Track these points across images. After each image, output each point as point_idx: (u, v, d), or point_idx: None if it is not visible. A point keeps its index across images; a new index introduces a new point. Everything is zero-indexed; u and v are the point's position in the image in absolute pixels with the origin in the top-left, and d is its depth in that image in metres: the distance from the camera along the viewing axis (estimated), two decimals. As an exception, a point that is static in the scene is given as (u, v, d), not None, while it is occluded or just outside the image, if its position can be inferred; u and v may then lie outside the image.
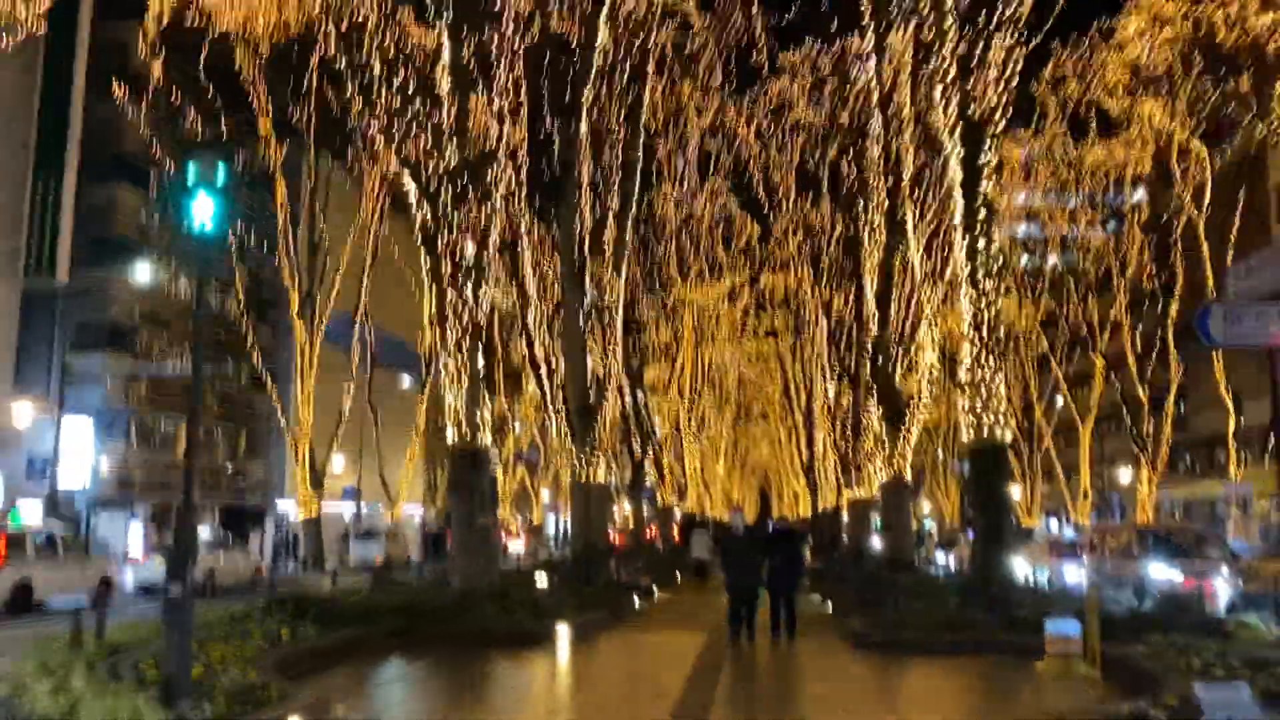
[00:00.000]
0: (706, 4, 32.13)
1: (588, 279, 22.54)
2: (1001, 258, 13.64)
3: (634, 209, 23.57)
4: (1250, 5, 29.38)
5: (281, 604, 11.53)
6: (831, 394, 34.70)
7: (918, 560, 35.78)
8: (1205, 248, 34.73)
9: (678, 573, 26.60)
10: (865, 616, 13.07)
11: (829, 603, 17.12)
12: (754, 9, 31.28)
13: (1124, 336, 41.28)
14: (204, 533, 30.56)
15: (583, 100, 21.99)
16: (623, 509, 42.33)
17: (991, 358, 13.10)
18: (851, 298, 31.69)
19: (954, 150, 13.35)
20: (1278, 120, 30.53)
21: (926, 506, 75.32)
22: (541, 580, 15.27)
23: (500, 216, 14.51)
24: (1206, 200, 35.11)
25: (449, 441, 13.82)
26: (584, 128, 22.45)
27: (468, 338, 13.57)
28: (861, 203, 26.54)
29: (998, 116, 13.10)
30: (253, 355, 36.04)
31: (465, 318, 13.46)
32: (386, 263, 39.26)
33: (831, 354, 33.74)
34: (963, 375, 13.35)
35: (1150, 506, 36.44)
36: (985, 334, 13.08)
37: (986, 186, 13.14)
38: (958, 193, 13.34)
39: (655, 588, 20.56)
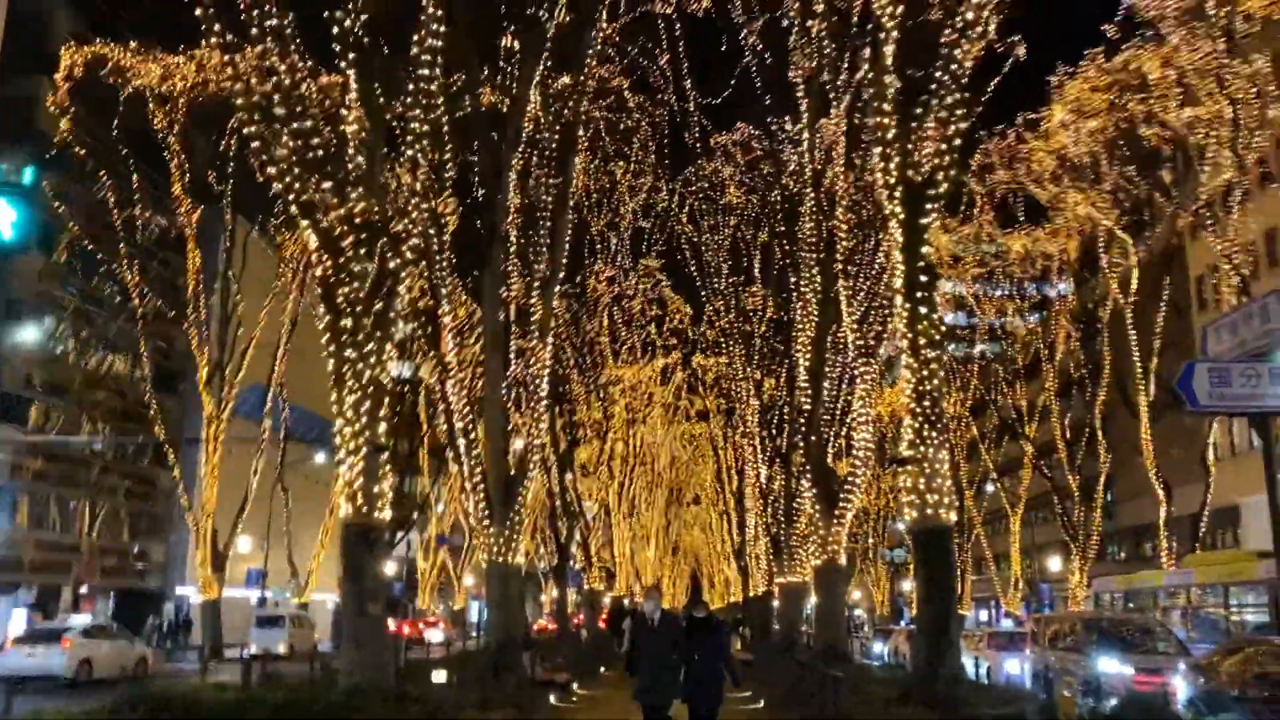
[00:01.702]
0: (641, 83, 31.98)
1: (512, 350, 21.46)
2: (943, 325, 12.87)
3: (559, 280, 22.61)
4: (1169, 101, 30.05)
5: (134, 705, 9.95)
6: (763, 476, 33.79)
7: (854, 650, 34.67)
8: (1132, 336, 34.88)
9: (602, 666, 25.04)
10: (804, 717, 11.85)
11: (760, 701, 15.84)
12: (687, 89, 31.18)
13: (1053, 423, 41.28)
14: (83, 619, 28.06)
15: (511, 166, 21.22)
16: (550, 595, 40.62)
17: (934, 432, 12.22)
18: (783, 378, 31.10)
19: (894, 213, 12.65)
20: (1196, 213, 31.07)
21: (857, 594, 74.35)
22: (440, 676, 13.75)
23: (411, 271, 13.35)
24: (1132, 289, 35.43)
25: (341, 517, 12.42)
26: (512, 194, 21.64)
27: (367, 401, 12.28)
28: (794, 280, 26.05)
29: (940, 177, 12.46)
30: (155, 428, 34.00)
31: (365, 377, 12.19)
32: (305, 334, 37.70)
33: (763, 435, 32.98)
34: (904, 450, 12.42)
35: (1083, 595, 35.90)
36: (928, 406, 12.22)
37: (927, 250, 12.43)
38: (897, 256, 12.60)
39: (575, 684, 19.04)
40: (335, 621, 38.12)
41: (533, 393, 21.39)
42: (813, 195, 24.08)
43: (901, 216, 12.59)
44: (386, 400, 12.79)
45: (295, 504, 40.40)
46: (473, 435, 20.74)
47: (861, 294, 21.66)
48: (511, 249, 22.15)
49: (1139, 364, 34.61)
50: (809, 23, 23.68)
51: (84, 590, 40.86)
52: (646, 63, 30.46)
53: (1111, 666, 14.59)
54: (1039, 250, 40.24)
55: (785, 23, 24.54)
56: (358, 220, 12.12)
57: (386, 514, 12.57)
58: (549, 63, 21.31)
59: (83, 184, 33.40)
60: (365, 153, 12.44)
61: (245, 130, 12.63)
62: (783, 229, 29.14)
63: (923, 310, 12.32)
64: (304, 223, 12.26)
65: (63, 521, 41.63)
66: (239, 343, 34.41)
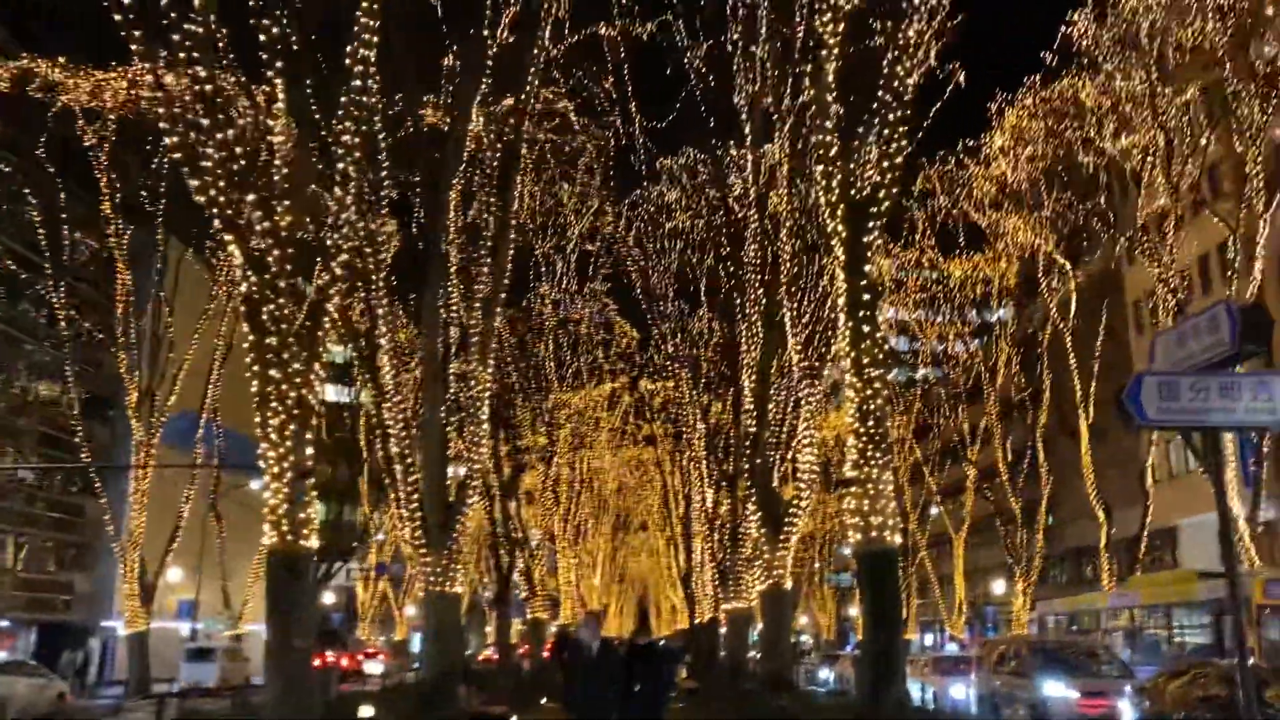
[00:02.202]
0: (587, 106, 31.82)
1: (451, 373, 20.98)
2: (886, 344, 12.70)
3: (501, 302, 22.20)
4: (1105, 129, 30.59)
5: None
6: (710, 501, 33.52)
7: (800, 676, 34.38)
8: (1071, 360, 35.32)
9: (544, 698, 24.40)
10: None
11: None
12: (632, 112, 31.07)
13: (995, 446, 41.65)
14: (-3, 655, 26.80)
15: (451, 185, 20.85)
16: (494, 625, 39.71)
17: (878, 453, 12.00)
18: (729, 403, 30.93)
19: (836, 231, 12.49)
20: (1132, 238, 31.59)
21: (804, 619, 74.25)
22: (368, 711, 13.15)
23: (341, 289, 12.88)
24: (1071, 313, 35.94)
25: (265, 545, 11.85)
26: (452, 213, 21.25)
27: (293, 424, 11.75)
28: (739, 303, 25.95)
29: (882, 195, 12.33)
30: (83, 455, 32.82)
31: (290, 398, 11.68)
32: (241, 358, 36.72)
33: (710, 460, 32.74)
34: (848, 471, 12.20)
35: (1025, 619, 36.08)
36: (872, 427, 12.01)
37: (870, 269, 12.28)
38: (840, 275, 12.43)
39: (514, 717, 18.46)
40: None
41: (473, 417, 20.90)
42: (757, 218, 24.03)
43: (844, 235, 12.43)
44: (314, 423, 12.26)
45: (230, 533, 39.19)
46: (410, 461, 20.20)
47: (807, 317, 21.59)
48: (452, 269, 21.74)
49: (1078, 387, 35.05)
50: (752, 47, 23.77)
51: (4, 624, 39.19)
52: (592, 85, 30.35)
53: (1057, 690, 14.45)
54: (980, 275, 40.76)
55: (730, 47, 24.55)
56: (284, 235, 11.64)
57: (314, 542, 12.01)
58: (490, 82, 21.02)
59: (9, 204, 32.28)
60: (293, 165, 11.98)
61: (167, 140, 12.11)
62: (728, 252, 29.07)
63: (866, 329, 12.15)
64: (229, 237, 11.75)
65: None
66: (170, 367, 33.36)
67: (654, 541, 67.82)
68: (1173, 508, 36.02)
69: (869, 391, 12.06)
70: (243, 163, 11.48)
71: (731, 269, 28.21)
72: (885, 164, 12.32)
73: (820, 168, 13.06)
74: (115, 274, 32.13)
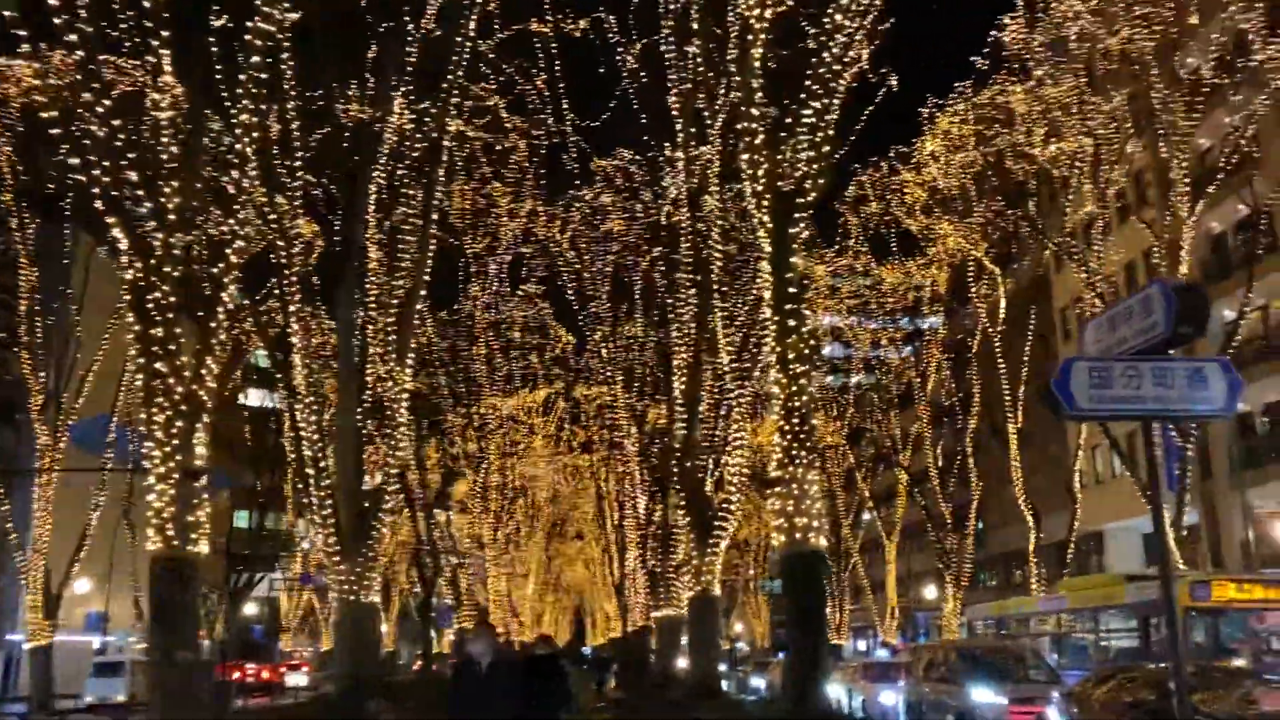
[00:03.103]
0: (519, 104, 31.19)
1: (367, 373, 20.10)
2: (813, 341, 12.26)
3: (420, 299, 21.39)
4: (1034, 135, 30.81)
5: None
6: (642, 507, 32.97)
7: (733, 684, 33.97)
8: (1000, 366, 35.51)
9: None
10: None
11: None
12: (565, 111, 30.52)
13: (926, 451, 41.76)
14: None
15: (369, 178, 20.04)
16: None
17: (804, 451, 11.53)
18: (664, 408, 30.45)
19: (762, 222, 12.02)
20: (1059, 247, 31.85)
21: (739, 627, 74.05)
22: (258, 729, 12.31)
23: (235, 276, 12.07)
24: (1000, 318, 36.13)
25: (148, 550, 10.98)
26: (371, 208, 20.41)
27: (180, 420, 10.92)
28: (670, 304, 25.50)
29: (809, 186, 11.89)
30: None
31: (178, 393, 10.84)
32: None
33: (644, 466, 32.20)
34: (773, 470, 11.71)
35: (957, 624, 36.13)
36: (797, 424, 11.53)
37: (797, 260, 11.82)
38: (766, 268, 11.95)
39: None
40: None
41: (390, 420, 20.06)
42: (689, 217, 23.59)
43: (769, 226, 11.97)
44: (204, 421, 11.43)
45: (141, 542, 37.58)
46: (323, 465, 19.31)
47: (740, 319, 21.20)
48: (371, 266, 20.90)
49: (1007, 393, 35.24)
50: (685, 46, 23.35)
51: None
52: (523, 83, 29.72)
53: (985, 697, 14.13)
54: (911, 282, 40.89)
55: (662, 45, 24.10)
56: (171, 218, 10.82)
57: (202, 547, 11.17)
58: (413, 76, 20.30)
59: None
60: (181, 142, 11.16)
61: (43, 114, 11.23)
62: (662, 252, 28.59)
63: (792, 324, 11.69)
64: (111, 220, 10.89)
65: None
66: (80, 368, 31.84)
67: (590, 550, 67.11)
68: (1099, 513, 36.40)
69: (794, 388, 11.60)
70: (124, 138, 10.64)
71: (663, 270, 27.78)
72: (813, 153, 11.88)
73: (746, 156, 12.62)
74: (18, 271, 30.57)
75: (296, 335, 19.61)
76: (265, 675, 39.97)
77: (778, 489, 11.61)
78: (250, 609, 48.44)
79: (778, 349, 11.72)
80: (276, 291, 19.79)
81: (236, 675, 37.19)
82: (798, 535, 11.39)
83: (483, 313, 41.31)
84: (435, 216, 22.29)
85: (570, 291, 35.87)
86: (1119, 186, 28.18)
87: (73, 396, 31.41)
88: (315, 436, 19.32)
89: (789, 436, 11.58)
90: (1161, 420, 8.10)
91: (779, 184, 12.04)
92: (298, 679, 43.31)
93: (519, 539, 58.66)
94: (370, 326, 20.48)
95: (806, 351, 11.73)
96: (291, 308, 19.21)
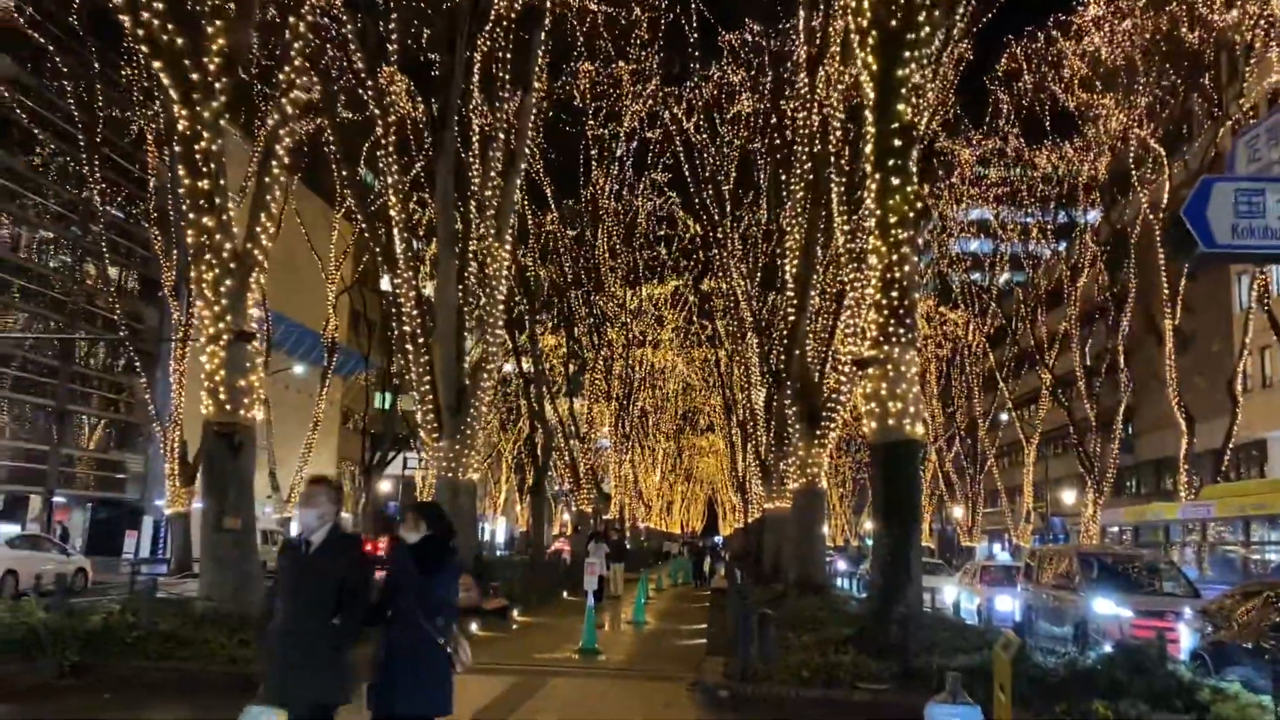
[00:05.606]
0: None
1: (470, 245, 19.44)
2: (919, 203, 10.74)
3: (520, 172, 20.47)
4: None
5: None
6: (760, 400, 31.94)
7: (851, 579, 33.11)
8: (1162, 257, 32.36)
9: (565, 592, 23.54)
10: (730, 662, 10.05)
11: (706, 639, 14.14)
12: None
13: (1073, 353, 39.04)
14: (10, 529, 26.65)
15: (468, 43, 19.04)
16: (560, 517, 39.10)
17: (902, 329, 10.16)
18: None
19: (866, 63, 10.45)
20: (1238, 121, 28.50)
21: (869, 524, 72.93)
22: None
23: (294, 130, 11.32)
24: (1163, 208, 32.78)
25: (203, 415, 10.59)
26: (472, 65, 19.40)
27: (229, 279, 10.37)
28: (784, 178, 23.91)
29: (921, 19, 10.20)
30: (121, 330, 32.47)
31: (226, 250, 10.27)
32: (290, 241, 35.74)
33: (762, 353, 31.05)
34: (867, 350, 10.40)
35: (1094, 530, 34.03)
36: (895, 298, 10.14)
37: (903, 108, 10.23)
38: (869, 117, 10.42)
39: (515, 611, 17.45)
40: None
41: (490, 295, 19.45)
42: (807, 82, 21.80)
43: (874, 68, 10.39)
44: (258, 280, 10.87)
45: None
46: (421, 340, 18.95)
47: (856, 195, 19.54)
48: (472, 138, 20.08)
49: (1166, 287, 32.08)
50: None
51: (61, 500, 39.81)
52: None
53: (1107, 608, 12.65)
54: (1067, 167, 37.67)
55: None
56: (217, 62, 10.08)
57: (256, 413, 10.73)
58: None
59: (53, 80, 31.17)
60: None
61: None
62: (779, 122, 26.82)
63: (895, 181, 10.19)
64: (157, 64, 10.22)
65: (34, 429, 40.45)
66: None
67: (720, 443, 66.81)
68: (1263, 420, 33.26)
69: (895, 256, 10.16)
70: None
71: (779, 143, 26.18)
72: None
73: (851, -9, 10.96)
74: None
75: (395, 208, 19.09)
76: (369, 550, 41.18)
77: (871, 370, 10.31)
78: (384, 486, 50.03)
79: (877, 211, 10.28)
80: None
81: (369, 548, 38.39)
82: (890, 422, 10.11)
83: (607, 200, 40.42)
84: (536, 85, 21.26)
85: (695, 179, 34.49)
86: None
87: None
88: (414, 311, 18.93)
89: (886, 312, 10.22)
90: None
91: (885, 17, 10.40)
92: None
93: (645, 428, 58.71)
94: (472, 199, 19.77)
95: (910, 214, 10.23)
96: (390, 179, 18.66)
